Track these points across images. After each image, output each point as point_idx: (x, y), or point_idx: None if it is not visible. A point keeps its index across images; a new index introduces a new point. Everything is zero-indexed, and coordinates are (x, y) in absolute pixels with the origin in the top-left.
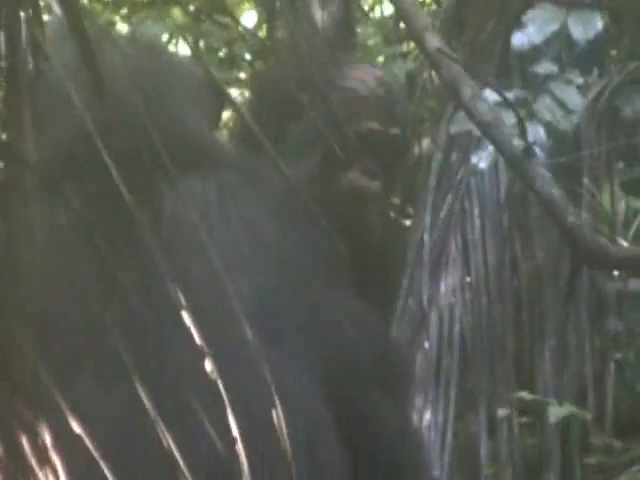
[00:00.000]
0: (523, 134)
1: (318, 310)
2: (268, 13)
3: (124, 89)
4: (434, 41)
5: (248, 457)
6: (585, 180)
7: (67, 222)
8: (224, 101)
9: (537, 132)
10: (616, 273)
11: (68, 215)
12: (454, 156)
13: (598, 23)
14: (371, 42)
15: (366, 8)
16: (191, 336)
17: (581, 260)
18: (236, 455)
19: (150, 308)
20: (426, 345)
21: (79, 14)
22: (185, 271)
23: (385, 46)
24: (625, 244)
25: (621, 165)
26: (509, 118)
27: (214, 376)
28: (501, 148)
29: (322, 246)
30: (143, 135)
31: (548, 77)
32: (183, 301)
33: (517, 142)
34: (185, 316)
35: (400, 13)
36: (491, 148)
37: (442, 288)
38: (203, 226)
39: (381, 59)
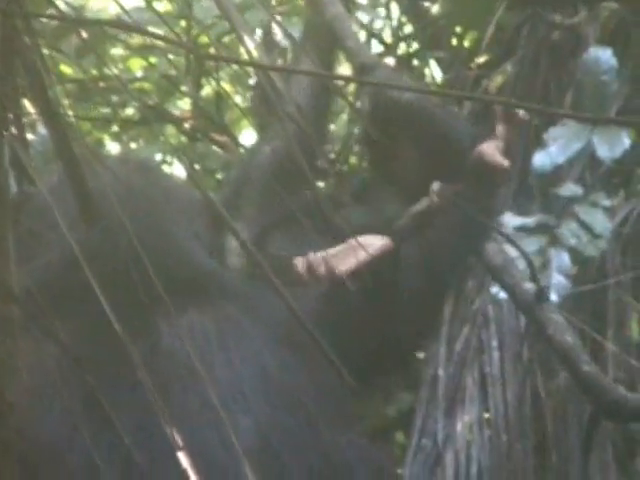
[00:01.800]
0: (534, 277)
1: (323, 447)
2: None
3: (115, 213)
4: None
5: None
6: (610, 310)
7: (55, 358)
8: (223, 226)
9: (561, 258)
10: None
11: (56, 350)
12: (470, 284)
13: (625, 141)
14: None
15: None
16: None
17: (598, 412)
18: None
19: (145, 449)
20: None
21: (66, 133)
22: (182, 409)
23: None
24: None
25: None
26: (532, 244)
27: None
28: (511, 293)
29: (328, 380)
30: (136, 262)
31: (572, 199)
32: (179, 442)
33: (528, 285)
34: (182, 458)
35: (345, 51)
36: None
37: (458, 426)
38: (202, 361)
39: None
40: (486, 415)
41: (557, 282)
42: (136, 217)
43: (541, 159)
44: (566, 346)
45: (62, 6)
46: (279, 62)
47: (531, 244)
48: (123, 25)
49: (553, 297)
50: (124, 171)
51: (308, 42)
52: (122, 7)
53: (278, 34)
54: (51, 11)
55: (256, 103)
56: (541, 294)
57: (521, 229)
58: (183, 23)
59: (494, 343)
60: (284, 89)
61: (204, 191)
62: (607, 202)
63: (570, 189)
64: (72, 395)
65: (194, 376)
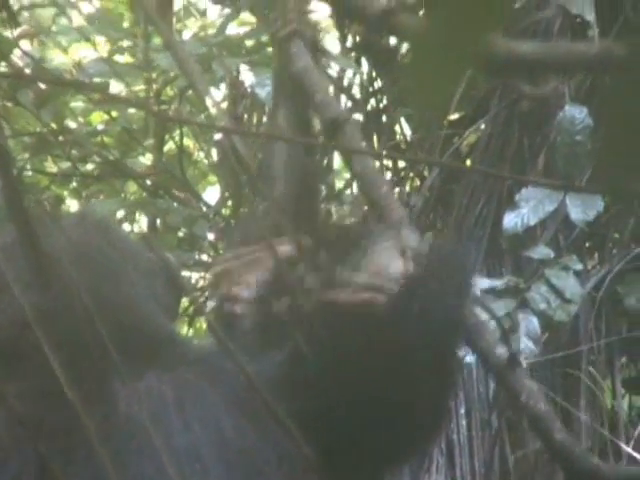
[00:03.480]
0: (507, 341)
1: None
2: (233, 189)
3: (70, 275)
4: (411, 239)
5: None
6: (583, 376)
7: (6, 423)
8: (181, 289)
9: (531, 323)
10: None
11: (6, 415)
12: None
13: (599, 204)
14: (347, 222)
15: (340, 185)
16: None
17: None
18: None
19: None
20: None
21: (18, 191)
22: (139, 477)
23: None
24: (628, 449)
25: (624, 360)
26: (500, 308)
27: None
28: (483, 356)
29: (286, 449)
30: (91, 325)
31: (543, 262)
32: None
33: (501, 349)
34: None
35: (374, 206)
36: None
37: None
38: (159, 427)
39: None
40: None
41: (525, 347)
42: (92, 279)
43: (512, 220)
44: (539, 413)
45: (20, 57)
46: (245, 115)
47: (500, 307)
48: (82, 84)
49: (522, 362)
50: (81, 230)
51: (281, 96)
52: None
53: (245, 84)
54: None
55: (220, 159)
56: (514, 359)
57: (490, 291)
58: (145, 75)
59: (462, 410)
60: (244, 150)
61: (160, 252)
62: (579, 266)
63: (541, 252)
64: (24, 462)
65: (151, 442)
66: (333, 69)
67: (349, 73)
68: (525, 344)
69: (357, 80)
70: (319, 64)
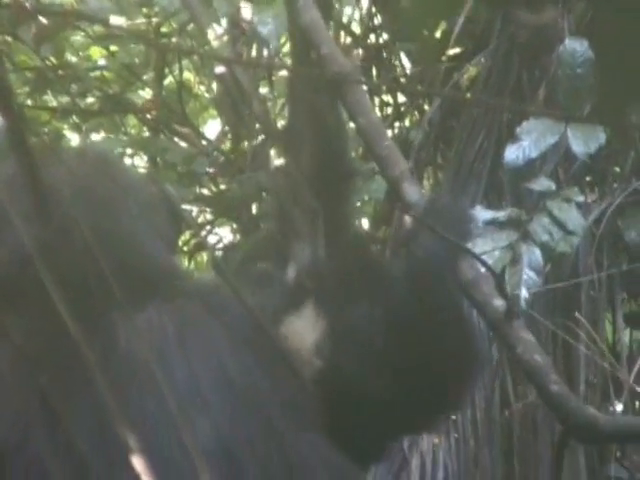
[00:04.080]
0: (504, 294)
1: (285, 454)
2: (231, 124)
3: (71, 208)
4: (412, 193)
5: None
6: (583, 310)
7: (9, 356)
8: (182, 222)
9: (533, 254)
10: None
11: (10, 348)
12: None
13: (600, 136)
14: None
15: None
16: None
17: (568, 432)
18: None
19: (101, 450)
20: None
21: (21, 124)
22: (139, 410)
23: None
24: (629, 381)
25: (624, 295)
26: (502, 239)
27: None
28: (480, 309)
29: (288, 383)
30: (92, 259)
31: (544, 195)
32: (133, 444)
33: (498, 301)
34: (135, 461)
35: (377, 160)
36: None
37: None
38: (160, 361)
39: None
40: (453, 418)
41: (528, 278)
42: (92, 212)
43: (513, 153)
44: (534, 365)
45: None
46: (244, 53)
47: (502, 239)
48: (83, 15)
49: (524, 294)
50: (82, 165)
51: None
52: None
53: (245, 24)
54: None
55: (220, 94)
56: (511, 312)
57: (492, 223)
58: (145, 10)
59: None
60: (246, 82)
61: (162, 186)
62: (581, 198)
63: (543, 184)
64: (26, 394)
65: (151, 376)
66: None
67: (348, 10)
68: (527, 275)
69: (357, 16)
70: (327, 15)
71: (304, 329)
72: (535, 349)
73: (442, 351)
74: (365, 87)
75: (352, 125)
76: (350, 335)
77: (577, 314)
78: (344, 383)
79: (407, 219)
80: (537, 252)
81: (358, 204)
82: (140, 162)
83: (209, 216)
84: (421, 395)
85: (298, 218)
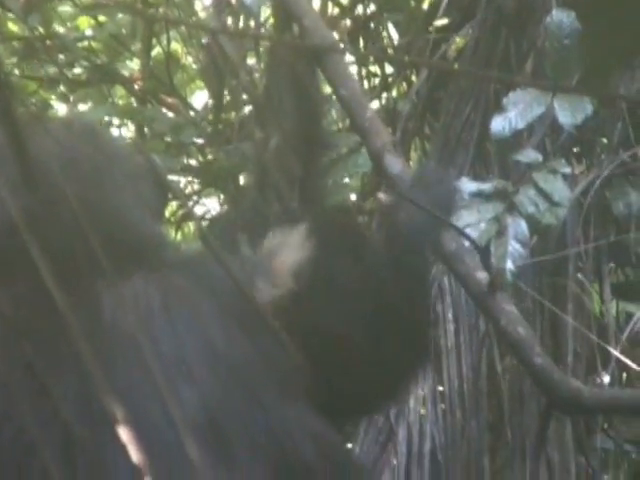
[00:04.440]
0: (487, 266)
1: (270, 423)
2: (216, 95)
3: (57, 178)
4: (395, 165)
5: None
6: (571, 282)
7: None
8: (168, 192)
9: (519, 226)
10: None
11: None
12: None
13: (587, 107)
14: (335, 128)
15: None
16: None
17: (552, 405)
18: None
19: (86, 420)
20: (394, 463)
21: (8, 94)
22: (124, 380)
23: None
24: (617, 353)
25: (612, 265)
26: (488, 211)
27: None
28: (464, 282)
29: (274, 354)
30: (78, 229)
31: (531, 166)
32: (119, 415)
33: (481, 274)
34: (121, 431)
35: (359, 131)
36: None
37: (411, 400)
38: (145, 331)
39: (345, 149)
40: (440, 389)
41: (514, 250)
42: (79, 183)
43: (500, 124)
44: (518, 338)
45: None
46: (231, 23)
47: (487, 211)
48: None
49: (509, 266)
50: (68, 135)
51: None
52: None
53: None
54: None
55: (207, 64)
56: (494, 284)
57: (477, 195)
58: None
59: (449, 315)
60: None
61: (149, 156)
62: (567, 170)
63: (529, 155)
64: (11, 365)
65: (137, 347)
66: None
67: None
68: (513, 247)
69: None
70: None
71: (289, 248)
72: (519, 321)
73: (400, 322)
74: (352, 58)
75: (334, 96)
76: (328, 277)
77: (564, 285)
78: (315, 314)
79: (387, 192)
80: (523, 224)
81: (345, 179)
82: (127, 132)
83: (196, 186)
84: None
85: (279, 184)
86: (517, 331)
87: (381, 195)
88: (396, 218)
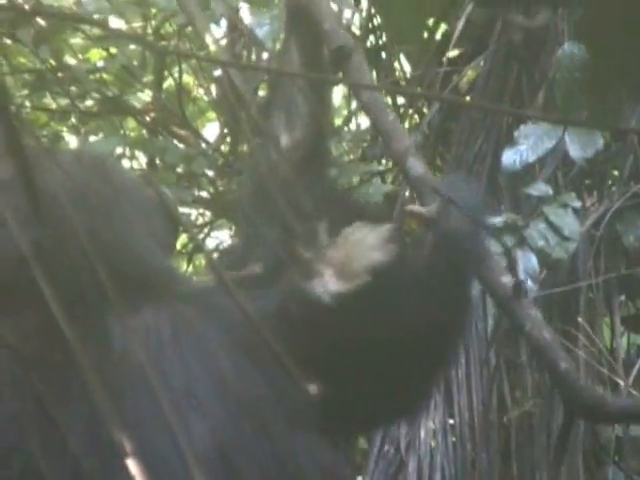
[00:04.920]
0: (513, 270)
1: (279, 454)
2: (231, 126)
3: (67, 211)
4: (418, 167)
5: None
6: (581, 315)
7: (5, 359)
8: (179, 225)
9: (529, 260)
10: None
11: (3, 353)
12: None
13: (598, 141)
14: (346, 159)
15: (339, 122)
16: None
17: (575, 413)
18: None
19: (96, 454)
20: None
21: (17, 128)
22: (134, 413)
23: (361, 164)
24: (626, 387)
25: (622, 298)
26: (498, 245)
27: None
28: (488, 285)
29: (284, 385)
30: (87, 262)
31: (542, 200)
32: (128, 447)
33: (506, 279)
34: (130, 464)
35: (382, 134)
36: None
37: (422, 432)
38: (155, 363)
39: (357, 178)
40: (451, 421)
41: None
42: (89, 216)
43: (511, 157)
44: (544, 343)
45: None
46: (244, 55)
47: (498, 244)
48: (80, 18)
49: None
50: (78, 168)
51: (292, 36)
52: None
53: (244, 25)
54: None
55: (219, 97)
56: (519, 288)
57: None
58: (144, 12)
59: (460, 347)
60: (244, 86)
61: (158, 189)
62: (578, 203)
63: (540, 189)
64: (22, 398)
65: (147, 379)
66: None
67: (348, 13)
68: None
69: (356, 17)
70: None
71: (368, 245)
72: (543, 326)
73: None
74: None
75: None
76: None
77: (576, 318)
78: (362, 319)
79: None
80: (533, 258)
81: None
82: (138, 164)
83: (208, 218)
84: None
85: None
86: (542, 336)
87: (413, 207)
88: (446, 226)
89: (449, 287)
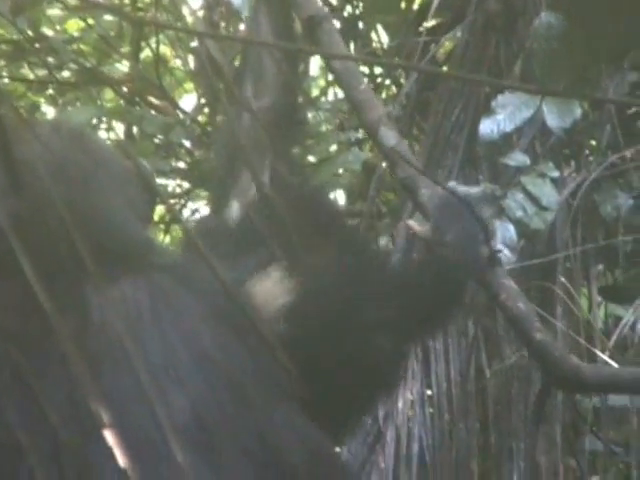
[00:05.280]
0: (487, 241)
1: (259, 427)
2: (209, 96)
3: (45, 182)
4: (390, 137)
5: None
6: (559, 285)
7: None
8: (156, 196)
9: (507, 230)
10: None
11: None
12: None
13: (576, 110)
14: (324, 128)
15: (317, 92)
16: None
17: (551, 383)
18: None
19: (75, 424)
20: (382, 465)
21: None
22: (113, 385)
23: (339, 133)
24: (604, 356)
25: (600, 268)
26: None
27: None
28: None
29: (263, 357)
30: (66, 233)
31: (519, 169)
32: (106, 418)
33: (482, 249)
34: (108, 435)
35: (353, 104)
36: None
37: (400, 403)
38: (134, 335)
39: (334, 147)
40: (428, 392)
41: (502, 254)
42: (66, 186)
43: (489, 127)
44: (518, 313)
45: None
46: (221, 25)
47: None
48: None
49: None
50: (56, 139)
51: (262, 4)
52: None
53: None
54: None
55: (197, 67)
56: (494, 258)
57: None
58: None
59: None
60: (221, 56)
61: (135, 160)
62: (555, 173)
63: (518, 159)
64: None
65: (125, 350)
66: None
67: None
68: (502, 252)
69: None
70: None
71: (270, 290)
72: (519, 296)
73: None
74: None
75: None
76: (317, 298)
77: (553, 288)
78: (309, 348)
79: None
80: (511, 228)
81: (334, 176)
82: (116, 134)
83: (185, 188)
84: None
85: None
86: (517, 306)
87: (411, 222)
88: (440, 253)
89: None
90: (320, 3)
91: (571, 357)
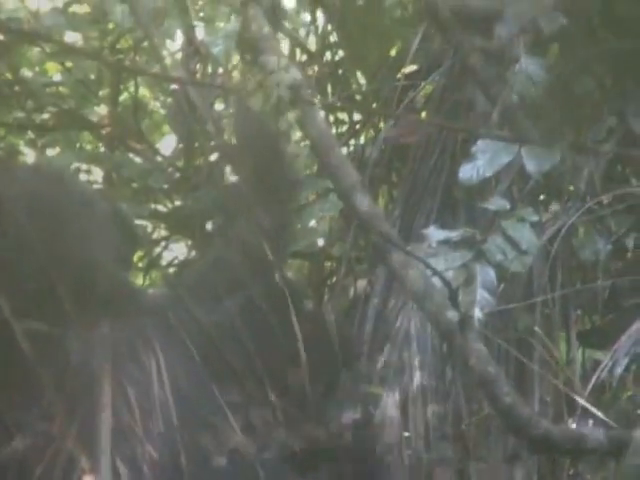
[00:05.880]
0: (456, 305)
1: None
2: (185, 140)
3: (25, 224)
4: (363, 202)
5: None
6: (538, 329)
7: None
8: (136, 239)
9: (487, 274)
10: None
11: None
12: (392, 302)
13: (554, 155)
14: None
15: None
16: None
17: (522, 446)
18: None
19: (51, 466)
20: None
21: None
22: (90, 425)
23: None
24: (582, 401)
25: (578, 312)
26: (456, 259)
27: None
28: (433, 320)
29: (243, 399)
30: (46, 275)
31: (499, 214)
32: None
33: (451, 313)
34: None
35: (327, 169)
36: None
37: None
38: (113, 376)
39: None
40: (406, 434)
41: (481, 298)
42: (47, 229)
43: (468, 171)
44: (487, 377)
45: None
46: (199, 70)
47: (455, 259)
48: (36, 34)
49: (477, 314)
50: (36, 180)
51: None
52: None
53: (199, 40)
54: None
55: (175, 111)
56: (464, 323)
57: (445, 243)
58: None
59: (416, 363)
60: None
61: (116, 203)
62: (535, 217)
63: (497, 203)
64: None
65: (105, 391)
66: (288, 23)
67: (303, 30)
68: (481, 295)
69: (313, 31)
70: (277, 26)
71: None
72: (488, 361)
73: None
74: (320, 104)
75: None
76: None
77: (531, 332)
78: None
79: None
80: (491, 272)
81: (312, 222)
82: (95, 178)
83: (164, 232)
84: None
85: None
86: (486, 370)
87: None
88: None
89: None
90: (298, 74)
91: (541, 419)
